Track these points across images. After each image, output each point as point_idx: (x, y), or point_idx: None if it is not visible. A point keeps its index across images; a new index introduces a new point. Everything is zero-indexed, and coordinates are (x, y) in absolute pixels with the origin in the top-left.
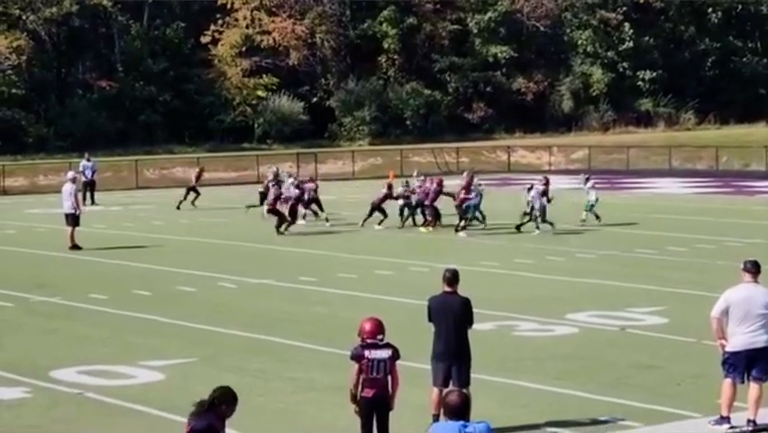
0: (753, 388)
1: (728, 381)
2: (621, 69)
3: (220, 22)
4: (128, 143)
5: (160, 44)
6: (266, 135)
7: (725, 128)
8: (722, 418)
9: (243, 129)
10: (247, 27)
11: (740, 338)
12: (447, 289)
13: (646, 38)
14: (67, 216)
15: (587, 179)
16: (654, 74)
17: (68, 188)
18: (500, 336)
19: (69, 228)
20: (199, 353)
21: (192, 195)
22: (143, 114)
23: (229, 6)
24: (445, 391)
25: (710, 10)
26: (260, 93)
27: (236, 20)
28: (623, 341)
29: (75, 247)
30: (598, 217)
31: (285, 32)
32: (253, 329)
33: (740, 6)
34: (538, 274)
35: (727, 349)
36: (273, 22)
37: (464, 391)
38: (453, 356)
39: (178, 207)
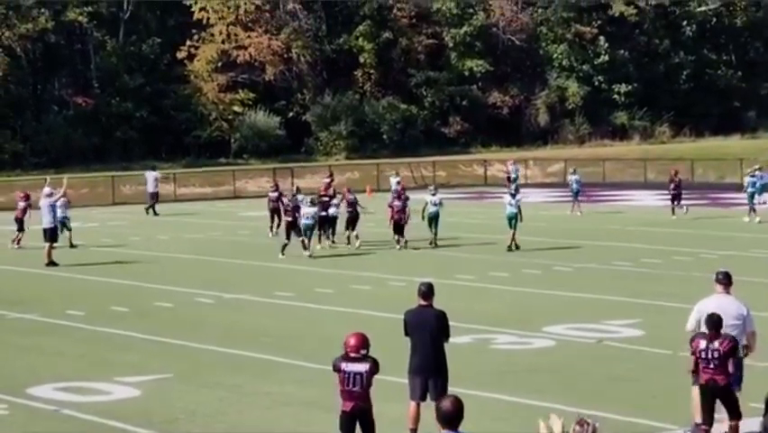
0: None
1: (697, 388)
2: (596, 83)
3: (196, 37)
4: (104, 160)
5: (136, 60)
6: (242, 150)
7: (700, 141)
8: (696, 425)
9: (220, 144)
10: (223, 42)
11: None
12: (422, 302)
13: (621, 51)
14: (45, 231)
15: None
16: (630, 87)
17: (45, 203)
18: (477, 350)
19: (47, 244)
20: (176, 368)
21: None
22: (120, 130)
23: (205, 22)
24: (438, 398)
25: (685, 23)
26: (236, 108)
27: (212, 35)
28: (599, 354)
29: (51, 264)
30: None
31: (261, 47)
32: (230, 344)
33: (714, 19)
34: (515, 287)
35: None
36: (249, 37)
37: (458, 397)
38: (430, 370)
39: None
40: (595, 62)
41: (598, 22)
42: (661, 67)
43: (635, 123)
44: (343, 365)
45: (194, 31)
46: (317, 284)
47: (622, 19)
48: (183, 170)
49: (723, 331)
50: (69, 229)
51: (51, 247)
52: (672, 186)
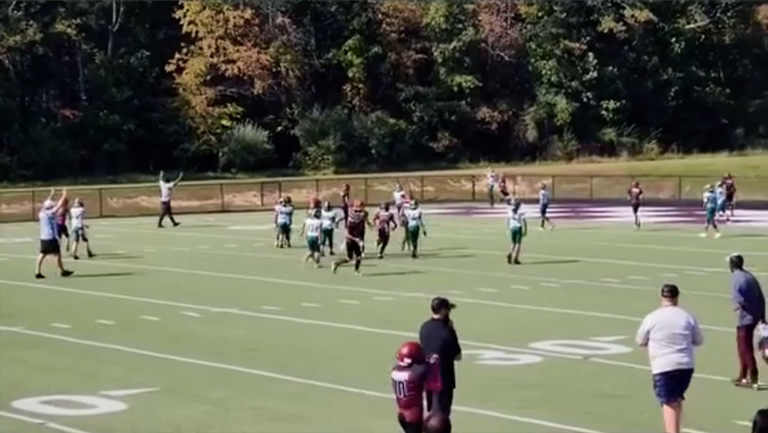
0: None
1: (669, 408)
2: (585, 99)
3: (185, 50)
4: (92, 172)
5: (124, 73)
6: (230, 164)
7: (688, 158)
8: None
9: (208, 158)
10: (212, 56)
11: (667, 359)
12: (434, 316)
13: (610, 68)
14: (43, 242)
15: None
16: (618, 104)
17: (44, 215)
18: (464, 365)
19: (52, 256)
20: (162, 382)
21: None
22: (107, 143)
23: (193, 35)
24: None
25: (673, 40)
26: (224, 122)
27: (201, 49)
28: (587, 370)
29: (65, 273)
30: None
31: (249, 60)
32: (216, 358)
33: (703, 37)
34: (502, 303)
35: (656, 371)
36: (238, 51)
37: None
38: None
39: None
40: (584, 78)
41: (587, 38)
42: (649, 83)
43: (623, 139)
44: (392, 373)
45: (183, 44)
46: (304, 298)
47: (611, 35)
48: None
49: (672, 341)
50: (86, 239)
51: (60, 257)
52: (632, 197)
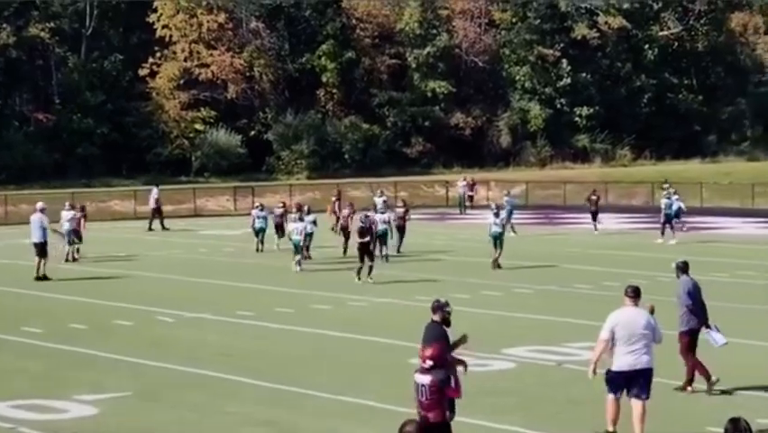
0: (635, 406)
1: (611, 397)
2: (559, 105)
3: (158, 54)
4: (65, 176)
5: (97, 77)
6: (203, 168)
7: (660, 164)
8: None
9: (181, 162)
10: (185, 60)
11: (624, 358)
12: (432, 317)
13: (583, 74)
14: (35, 245)
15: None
16: (591, 110)
17: (36, 218)
18: None
19: (37, 259)
20: (135, 387)
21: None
22: (81, 146)
23: (167, 39)
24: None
25: (647, 47)
26: (197, 126)
27: (174, 53)
28: (560, 376)
29: (42, 279)
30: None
31: (223, 65)
32: (190, 363)
33: (676, 44)
34: (475, 309)
35: (612, 369)
36: (211, 55)
37: (419, 421)
38: None
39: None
40: (557, 85)
41: (561, 44)
42: (622, 90)
43: (596, 146)
44: (414, 375)
45: (156, 48)
46: (277, 303)
47: (584, 42)
48: (144, 188)
49: (633, 340)
50: (76, 243)
51: (41, 262)
52: (591, 204)
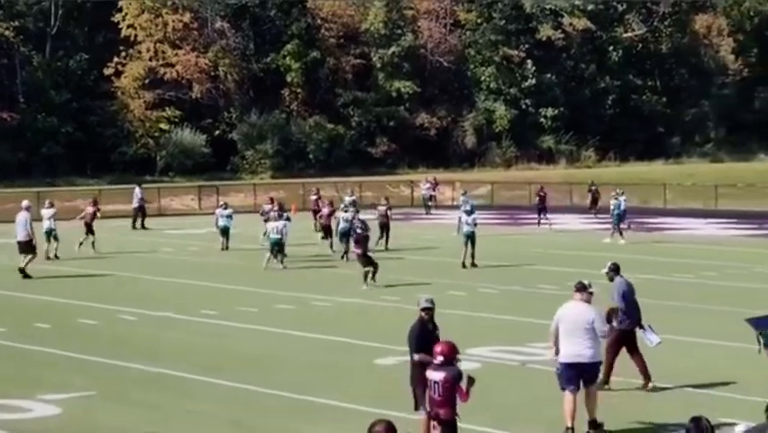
0: (585, 392)
1: (567, 393)
2: (524, 106)
3: (123, 54)
4: (30, 175)
5: (62, 76)
6: (168, 168)
7: (624, 165)
8: (567, 428)
9: (146, 161)
10: (150, 60)
11: (567, 349)
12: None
13: (548, 75)
14: (20, 243)
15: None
16: (556, 111)
17: (22, 216)
18: (402, 371)
19: (23, 256)
20: (99, 386)
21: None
22: (45, 146)
23: (132, 39)
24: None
25: (611, 48)
26: (162, 125)
27: (140, 52)
28: (524, 376)
29: (25, 276)
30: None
31: (188, 64)
32: (153, 362)
33: (640, 45)
34: (439, 308)
35: (560, 360)
36: (176, 54)
37: (390, 422)
38: (412, 380)
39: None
40: (522, 85)
41: (526, 45)
42: (587, 91)
43: (561, 147)
44: (428, 373)
45: (121, 47)
46: (241, 303)
47: (549, 43)
48: (108, 187)
49: (577, 334)
50: (57, 240)
51: (28, 258)
52: (539, 200)
